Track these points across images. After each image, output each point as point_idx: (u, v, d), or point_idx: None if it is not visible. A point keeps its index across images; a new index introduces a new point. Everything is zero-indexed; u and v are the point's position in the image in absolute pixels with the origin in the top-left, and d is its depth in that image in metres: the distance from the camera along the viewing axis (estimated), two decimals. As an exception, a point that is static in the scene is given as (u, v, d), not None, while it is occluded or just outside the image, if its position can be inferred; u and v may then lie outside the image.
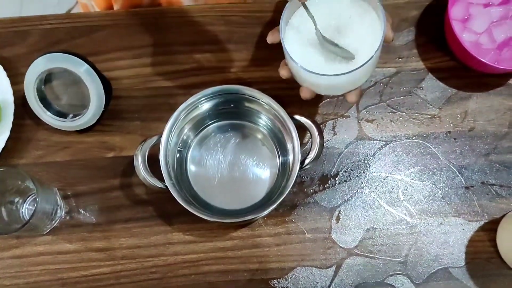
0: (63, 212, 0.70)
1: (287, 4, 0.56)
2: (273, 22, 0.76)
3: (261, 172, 0.70)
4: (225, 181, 0.70)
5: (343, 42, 0.57)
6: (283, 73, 0.61)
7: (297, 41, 0.58)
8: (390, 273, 0.69)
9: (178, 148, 0.68)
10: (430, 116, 0.74)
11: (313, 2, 0.58)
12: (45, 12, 1.45)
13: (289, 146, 0.66)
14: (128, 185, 0.71)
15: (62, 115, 0.71)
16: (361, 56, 0.56)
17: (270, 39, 0.61)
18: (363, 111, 0.74)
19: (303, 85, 0.60)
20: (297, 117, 0.65)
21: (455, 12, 0.73)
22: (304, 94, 0.60)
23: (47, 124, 0.71)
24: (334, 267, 0.69)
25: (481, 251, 0.70)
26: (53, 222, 0.68)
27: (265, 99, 0.66)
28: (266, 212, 0.63)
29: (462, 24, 0.73)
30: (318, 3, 0.58)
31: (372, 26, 0.56)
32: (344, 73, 0.53)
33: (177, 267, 0.69)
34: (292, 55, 0.55)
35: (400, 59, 0.75)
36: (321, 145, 0.65)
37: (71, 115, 0.71)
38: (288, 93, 0.73)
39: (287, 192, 0.62)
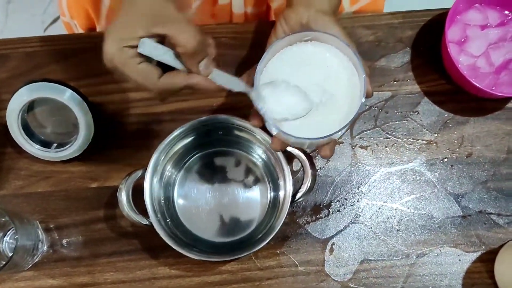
0: (45, 247, 0.67)
1: (266, 51, 0.52)
2: (262, 45, 0.73)
3: (252, 204, 0.68)
4: (214, 213, 0.67)
5: (320, 98, 0.52)
6: (254, 122, 0.55)
7: (271, 94, 0.52)
8: (386, 307, 0.67)
9: (165, 182, 0.65)
10: (426, 142, 0.71)
11: (291, 52, 0.54)
12: (31, 20, 1.43)
13: (280, 181, 0.63)
14: (112, 217, 0.68)
15: (46, 144, 0.68)
16: (336, 114, 0.52)
17: (255, 123, 0.56)
18: (357, 137, 0.71)
19: (276, 136, 0.55)
20: (288, 148, 0.62)
21: (452, 34, 0.70)
22: (275, 147, 0.56)
23: (29, 153, 0.68)
24: (327, 301, 0.67)
25: (479, 283, 0.67)
26: (35, 257, 0.66)
27: (256, 130, 0.63)
28: (254, 250, 0.60)
29: (458, 47, 0.70)
30: (294, 52, 0.54)
31: (351, 82, 0.52)
32: (321, 137, 0.50)
33: (163, 303, 0.66)
34: (264, 109, 0.51)
35: (395, 82, 0.73)
36: (314, 177, 0.62)
37: (55, 144, 0.68)
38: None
39: (277, 229, 0.60)
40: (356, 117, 0.50)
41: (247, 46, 0.73)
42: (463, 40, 0.70)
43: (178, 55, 0.50)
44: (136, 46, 0.49)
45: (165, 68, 0.52)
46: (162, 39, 0.50)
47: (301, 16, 0.56)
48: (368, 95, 0.52)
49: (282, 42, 0.52)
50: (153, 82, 0.50)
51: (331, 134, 0.49)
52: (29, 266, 0.66)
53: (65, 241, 0.68)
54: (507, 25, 0.70)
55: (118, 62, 0.49)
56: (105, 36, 0.49)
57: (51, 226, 0.68)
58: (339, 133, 0.50)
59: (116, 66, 0.50)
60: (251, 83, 0.53)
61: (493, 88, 0.69)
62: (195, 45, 0.49)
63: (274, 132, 0.53)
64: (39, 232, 0.66)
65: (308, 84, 0.52)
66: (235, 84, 0.51)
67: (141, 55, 0.49)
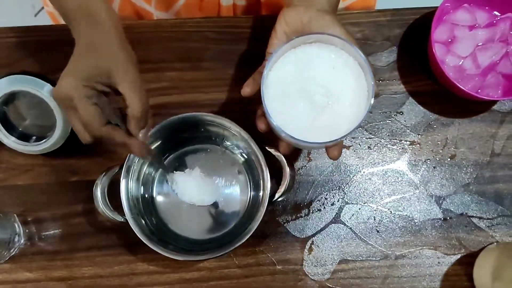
0: (22, 240, 0.67)
1: (270, 56, 0.52)
2: (249, 39, 0.72)
3: (232, 202, 0.67)
4: (194, 210, 0.67)
5: (328, 100, 0.52)
6: (261, 127, 0.55)
7: (278, 96, 0.52)
8: (363, 308, 0.67)
9: (143, 180, 0.65)
10: (409, 143, 0.71)
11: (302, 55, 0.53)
12: (21, 3, 1.40)
13: (260, 180, 0.62)
14: (91, 211, 0.68)
15: (25, 137, 0.67)
16: (344, 116, 0.52)
17: (247, 91, 0.57)
18: (340, 137, 0.70)
19: (283, 140, 0.55)
20: (268, 149, 0.62)
21: (438, 34, 0.69)
22: (284, 150, 0.57)
23: (8, 145, 0.68)
24: (304, 301, 0.67)
25: (457, 285, 0.67)
26: (11, 250, 0.65)
27: (234, 128, 0.62)
28: (231, 249, 0.59)
29: (445, 47, 0.69)
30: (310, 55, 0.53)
31: (358, 83, 0.52)
32: (330, 141, 0.50)
33: (140, 299, 0.66)
34: (272, 114, 0.50)
35: (380, 82, 0.72)
36: (293, 178, 0.62)
37: (34, 138, 0.67)
38: (262, 117, 0.70)
39: (254, 229, 0.59)
40: (365, 118, 0.50)
41: (235, 41, 0.72)
42: (450, 40, 0.69)
43: (122, 116, 0.54)
44: (93, 88, 0.52)
45: None
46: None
47: (302, 16, 0.55)
48: (375, 96, 0.52)
49: (285, 46, 0.52)
50: (97, 126, 0.52)
51: (340, 138, 0.49)
52: (6, 259, 0.66)
53: (43, 234, 0.68)
54: (496, 26, 0.69)
55: (74, 96, 0.51)
56: (66, 72, 0.53)
57: (30, 219, 0.68)
58: (349, 134, 0.50)
59: (70, 98, 0.51)
60: (257, 87, 0.54)
61: (479, 90, 0.68)
62: (141, 111, 0.53)
63: (280, 135, 0.53)
64: (16, 225, 0.66)
65: (314, 87, 0.51)
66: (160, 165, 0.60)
67: (93, 98, 0.52)
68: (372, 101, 0.50)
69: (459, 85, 0.64)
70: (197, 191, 0.64)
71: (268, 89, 0.52)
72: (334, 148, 0.55)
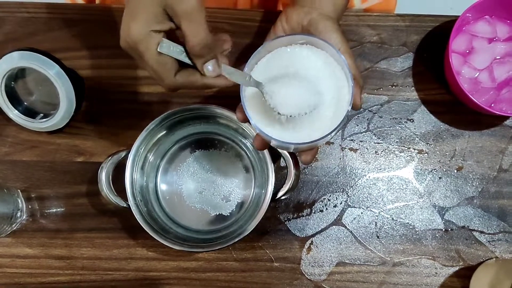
0: (25, 216, 0.67)
1: (256, 51, 0.50)
2: (263, 34, 0.71)
3: (235, 196, 0.67)
4: (196, 201, 0.67)
5: (305, 104, 0.49)
6: (239, 116, 0.53)
7: (256, 93, 0.50)
8: (356, 311, 0.67)
9: (148, 168, 0.65)
10: (417, 151, 0.70)
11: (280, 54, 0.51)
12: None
13: (264, 176, 0.62)
14: (95, 193, 0.68)
15: (31, 113, 0.68)
16: (323, 122, 0.50)
17: (240, 117, 0.53)
18: (347, 139, 0.70)
19: (258, 134, 0.53)
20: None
21: (457, 44, 0.68)
22: (257, 145, 0.54)
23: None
24: (299, 299, 0.67)
25: (460, 301, 0.67)
26: (13, 225, 0.66)
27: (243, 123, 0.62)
28: (230, 243, 0.60)
29: (462, 58, 0.68)
30: (281, 55, 0.51)
31: (339, 91, 0.50)
32: (299, 143, 0.48)
33: (137, 283, 0.67)
34: (248, 109, 0.49)
35: (393, 87, 0.71)
36: (297, 177, 0.62)
37: (41, 115, 0.68)
38: (272, 113, 0.69)
39: (254, 225, 0.59)
40: (339, 128, 0.49)
41: (247, 34, 0.72)
42: (468, 51, 0.69)
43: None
44: (161, 31, 0.47)
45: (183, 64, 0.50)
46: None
47: (303, 17, 0.55)
48: (355, 108, 0.51)
49: (276, 42, 0.51)
50: (170, 76, 0.49)
51: (313, 141, 0.48)
52: (7, 233, 0.66)
53: (46, 212, 0.68)
54: (516, 40, 0.68)
55: (142, 46, 0.46)
56: (130, 14, 0.47)
57: (33, 195, 0.68)
58: (321, 140, 0.49)
59: (138, 49, 0.47)
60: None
61: (492, 104, 0.67)
62: (198, 44, 0.47)
63: (256, 130, 0.52)
64: (19, 201, 0.66)
65: (296, 89, 0.50)
66: (244, 80, 0.49)
67: (163, 46, 0.47)
68: (348, 110, 0.48)
69: (472, 98, 0.64)
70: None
71: (247, 88, 0.50)
72: (308, 153, 0.54)
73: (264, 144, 0.54)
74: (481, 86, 0.68)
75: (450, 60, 0.65)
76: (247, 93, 0.50)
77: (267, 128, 0.50)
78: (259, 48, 0.51)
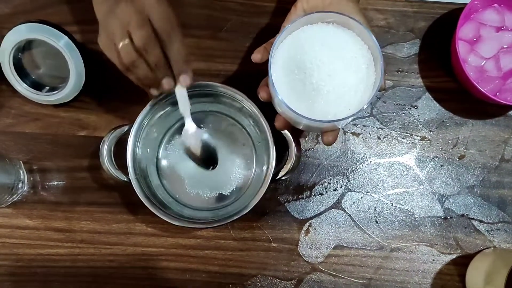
0: (26, 187, 0.68)
1: (285, 28, 0.51)
2: (272, 13, 0.71)
3: (235, 175, 0.67)
4: (197, 179, 0.67)
5: (334, 82, 0.50)
6: (262, 95, 0.55)
7: (285, 70, 0.51)
8: (352, 294, 0.67)
9: (150, 143, 0.65)
10: (420, 138, 0.70)
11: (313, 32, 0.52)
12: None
13: (265, 156, 0.62)
14: (96, 168, 0.68)
15: (38, 85, 0.68)
16: (350, 101, 0.50)
17: (257, 57, 0.57)
18: (350, 123, 0.70)
19: (281, 114, 0.55)
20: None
21: (464, 32, 0.68)
22: (279, 125, 0.56)
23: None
24: (295, 281, 0.67)
25: (449, 285, 0.68)
26: (14, 196, 0.66)
27: (245, 102, 0.62)
28: (229, 221, 0.60)
29: (469, 46, 0.68)
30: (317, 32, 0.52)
31: (367, 71, 0.50)
32: (328, 121, 0.49)
33: (135, 258, 0.67)
34: (276, 85, 0.50)
35: (399, 72, 0.71)
36: (298, 158, 0.62)
37: (47, 88, 0.68)
38: (275, 94, 0.69)
39: (254, 204, 0.60)
40: (365, 108, 0.49)
41: (257, 14, 0.71)
42: (475, 39, 0.68)
43: None
44: None
45: None
46: None
47: None
48: (382, 89, 0.51)
49: (303, 19, 0.51)
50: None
51: (338, 120, 0.48)
52: (8, 204, 0.67)
53: (47, 184, 0.68)
54: (524, 30, 0.68)
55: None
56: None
57: (35, 168, 0.69)
58: (347, 120, 0.49)
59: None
60: (267, 56, 0.52)
61: (498, 93, 0.67)
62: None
63: (280, 109, 0.53)
64: (21, 172, 0.66)
65: (324, 67, 0.50)
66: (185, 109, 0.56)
67: None
68: (376, 92, 0.49)
69: (478, 86, 0.63)
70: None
71: (277, 61, 0.51)
72: (330, 134, 0.54)
73: (286, 124, 0.54)
74: (486, 75, 0.67)
75: (457, 48, 0.64)
76: (275, 69, 0.50)
77: (295, 104, 0.49)
78: (285, 28, 0.51)
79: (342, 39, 0.51)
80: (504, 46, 0.68)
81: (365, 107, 0.49)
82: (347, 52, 0.50)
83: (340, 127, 0.55)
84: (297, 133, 0.65)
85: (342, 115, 0.49)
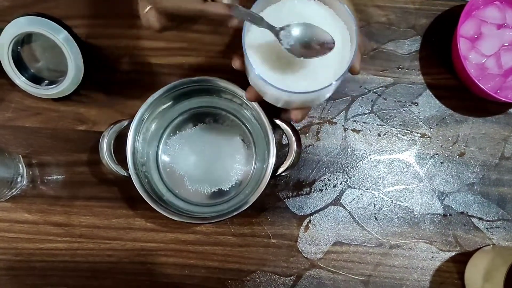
0: (25, 181, 0.67)
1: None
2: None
3: (235, 171, 0.67)
4: (196, 175, 0.67)
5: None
6: (235, 63, 0.52)
7: (260, 40, 0.49)
8: (350, 291, 0.67)
9: (150, 138, 0.65)
10: (420, 135, 0.70)
11: (284, 8, 0.51)
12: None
13: (265, 152, 0.62)
14: (95, 162, 0.68)
15: (37, 79, 0.67)
16: (322, 76, 0.49)
17: (237, 64, 0.53)
18: (350, 120, 0.70)
19: (252, 85, 0.54)
20: (277, 121, 0.61)
21: (465, 29, 0.68)
22: (250, 96, 0.54)
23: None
24: (294, 277, 0.67)
25: (448, 282, 0.68)
26: (13, 190, 0.66)
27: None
28: (228, 217, 0.60)
29: (470, 43, 0.68)
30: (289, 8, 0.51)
31: (342, 48, 0.49)
32: (298, 92, 0.48)
33: (134, 253, 0.67)
34: (251, 58, 0.48)
35: (399, 69, 0.71)
36: (298, 154, 0.62)
37: (46, 81, 0.67)
38: (276, 90, 0.69)
39: (253, 200, 0.59)
40: (336, 85, 0.48)
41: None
42: (476, 36, 0.68)
43: None
44: None
45: None
46: None
47: None
48: (354, 71, 0.51)
49: None
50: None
51: (308, 92, 0.48)
52: (7, 197, 0.67)
53: (46, 179, 0.68)
54: (525, 28, 0.68)
55: None
56: None
57: (34, 162, 0.68)
58: (315, 94, 0.48)
59: None
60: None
61: (498, 91, 0.67)
62: None
63: (254, 81, 0.52)
64: (20, 166, 0.66)
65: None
66: (258, 21, 0.48)
67: None
68: (347, 70, 0.47)
69: (478, 83, 0.63)
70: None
71: (253, 29, 0.50)
72: (299, 111, 0.54)
73: (256, 96, 0.53)
74: (487, 72, 0.67)
75: (458, 45, 0.64)
76: (249, 39, 0.49)
77: (267, 73, 0.49)
78: (257, 2, 0.49)
79: (320, 15, 0.50)
80: (505, 44, 0.68)
81: (334, 83, 0.47)
82: (324, 28, 0.50)
83: (312, 106, 0.52)
84: (298, 129, 0.65)
85: (311, 89, 0.48)
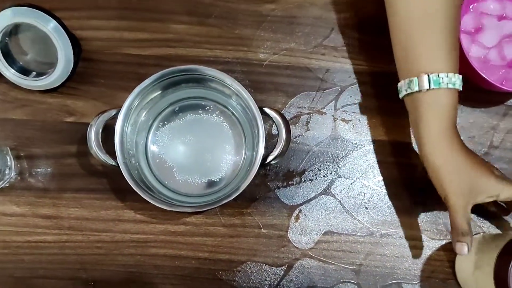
0: (13, 173, 0.67)
1: None
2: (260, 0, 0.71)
3: (225, 160, 0.67)
4: (186, 165, 0.67)
5: None
6: (463, 250, 0.59)
7: None
8: (341, 280, 0.67)
9: (139, 127, 0.64)
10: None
11: None
12: None
13: (255, 141, 0.62)
14: (84, 154, 0.68)
15: (25, 71, 0.67)
16: None
17: (465, 250, 0.59)
18: (340, 110, 0.70)
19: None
20: (266, 110, 0.61)
21: (465, 22, 0.67)
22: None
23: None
24: (285, 267, 0.67)
25: (438, 270, 0.67)
26: (1, 182, 0.66)
27: (236, 86, 0.61)
28: (218, 205, 0.59)
29: (471, 37, 0.68)
30: None
31: None
32: None
33: (124, 245, 0.67)
34: None
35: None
36: (287, 142, 0.61)
37: (34, 73, 0.67)
38: (265, 79, 0.70)
39: (243, 188, 0.59)
40: None
41: (245, 1, 0.71)
42: (476, 29, 0.68)
43: None
44: None
45: None
46: None
47: None
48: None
49: None
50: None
51: None
52: (-5, 190, 0.66)
53: (34, 171, 0.68)
54: (525, 19, 0.67)
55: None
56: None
57: (22, 154, 0.68)
58: None
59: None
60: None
61: (504, 82, 0.66)
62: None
63: None
64: (8, 158, 0.65)
65: None
66: None
67: None
68: None
69: (484, 76, 0.62)
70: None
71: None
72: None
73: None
74: (490, 64, 0.67)
75: (460, 40, 0.64)
76: None
77: None
78: None
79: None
80: (507, 35, 0.67)
81: None
82: None
83: None
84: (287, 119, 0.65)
85: None
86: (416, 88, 0.57)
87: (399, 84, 0.60)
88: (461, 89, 0.57)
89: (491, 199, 0.58)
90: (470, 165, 0.57)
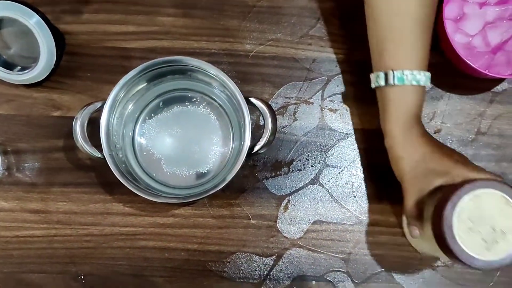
0: (0, 169, 0.67)
1: None
2: (245, -8, 0.71)
3: (212, 151, 0.67)
4: (174, 156, 0.67)
5: None
6: (415, 233, 0.59)
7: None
8: (331, 269, 0.67)
9: (125, 119, 0.64)
10: (396, 112, 0.70)
11: None
12: None
13: (242, 130, 0.62)
14: (71, 148, 0.68)
15: (9, 65, 0.67)
16: None
17: (416, 233, 0.59)
18: (327, 99, 0.70)
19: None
20: (252, 100, 0.61)
21: (450, 10, 0.67)
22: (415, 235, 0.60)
23: (-8, 73, 0.67)
24: (275, 257, 0.67)
25: (428, 257, 0.68)
26: (-12, 178, 0.65)
27: (221, 76, 0.61)
28: (205, 195, 0.59)
29: (455, 24, 0.68)
30: None
31: None
32: None
33: (113, 238, 0.67)
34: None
35: (375, 48, 0.71)
36: (274, 132, 0.61)
37: (18, 67, 0.67)
38: (251, 70, 0.70)
39: (230, 178, 0.59)
40: None
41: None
42: (459, 17, 0.68)
43: None
44: None
45: None
46: None
47: None
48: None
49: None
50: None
51: None
52: (-18, 185, 0.66)
53: (21, 166, 0.67)
54: (508, 3, 0.67)
55: None
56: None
57: (9, 149, 0.68)
58: None
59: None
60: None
61: (488, 68, 0.66)
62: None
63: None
64: (-5, 153, 0.65)
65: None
66: None
67: None
68: None
69: (470, 63, 0.62)
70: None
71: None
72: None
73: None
74: (476, 51, 0.67)
75: (445, 27, 0.64)
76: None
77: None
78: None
79: None
80: (489, 21, 0.67)
81: None
82: None
83: None
84: (275, 110, 0.65)
85: None
86: (382, 83, 0.58)
87: (370, 76, 0.61)
88: (428, 85, 0.58)
89: (449, 182, 0.56)
90: (429, 156, 0.57)
